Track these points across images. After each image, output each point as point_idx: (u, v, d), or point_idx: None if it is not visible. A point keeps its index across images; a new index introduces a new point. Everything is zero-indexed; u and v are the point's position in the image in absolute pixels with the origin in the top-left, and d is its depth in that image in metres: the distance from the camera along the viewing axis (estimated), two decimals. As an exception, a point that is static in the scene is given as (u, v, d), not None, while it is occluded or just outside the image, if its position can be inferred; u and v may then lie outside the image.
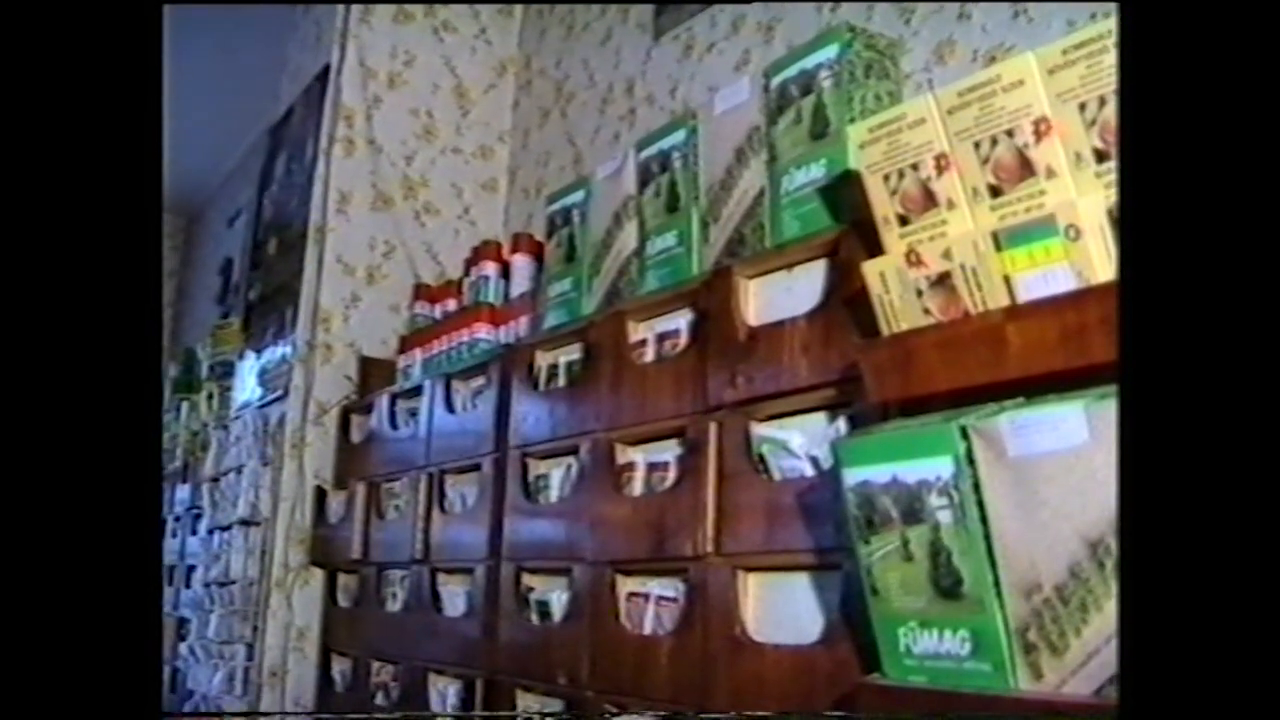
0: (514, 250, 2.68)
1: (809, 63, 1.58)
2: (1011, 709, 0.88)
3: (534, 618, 2.05)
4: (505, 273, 2.69)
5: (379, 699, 2.57)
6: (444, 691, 2.33)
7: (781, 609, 1.50)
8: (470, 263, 2.86)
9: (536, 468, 2.11)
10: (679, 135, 1.86)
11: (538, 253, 2.51)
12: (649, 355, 1.83)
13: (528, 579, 2.09)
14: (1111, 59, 1.03)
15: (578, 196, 2.15)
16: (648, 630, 1.74)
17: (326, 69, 3.49)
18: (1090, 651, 0.99)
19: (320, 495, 3.03)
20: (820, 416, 1.46)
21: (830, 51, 1.55)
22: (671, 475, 1.72)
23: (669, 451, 1.73)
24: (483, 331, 2.55)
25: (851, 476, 1.16)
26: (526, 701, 2.02)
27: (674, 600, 1.70)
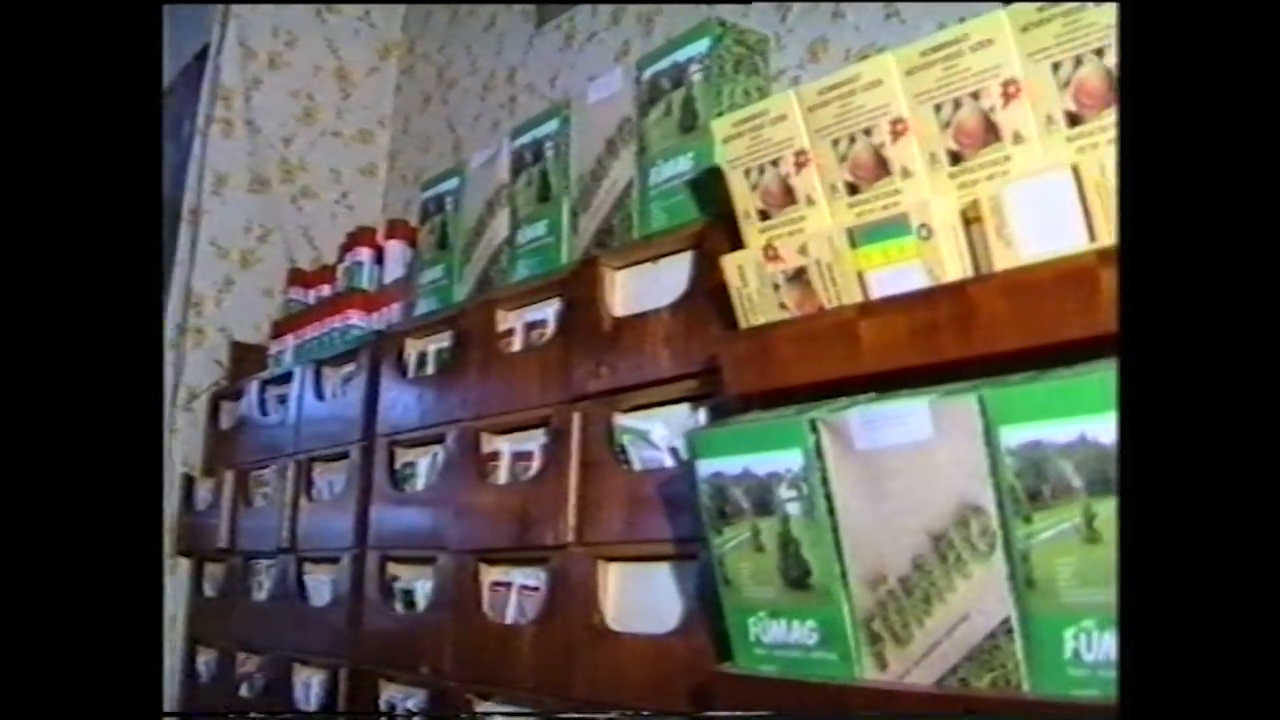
0: (389, 236, 2.66)
1: (680, 56, 1.59)
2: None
3: (399, 607, 2.04)
4: (380, 259, 2.67)
5: (243, 691, 2.53)
6: (308, 682, 2.31)
7: (641, 598, 1.51)
8: (345, 248, 2.83)
9: (404, 456, 2.10)
10: (552, 124, 1.85)
11: (413, 239, 2.49)
12: (517, 344, 1.82)
13: (393, 568, 2.08)
14: (968, 61, 1.05)
15: (452, 183, 2.14)
16: (510, 619, 1.74)
17: (206, 48, 3.43)
18: (933, 642, 1.01)
19: (188, 483, 2.97)
20: (683, 408, 1.46)
21: (701, 46, 1.56)
22: (535, 465, 1.72)
23: (534, 441, 1.73)
24: (355, 318, 2.53)
25: (705, 468, 1.17)
26: (390, 692, 2.01)
27: (536, 589, 1.70)
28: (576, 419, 1.60)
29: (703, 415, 1.42)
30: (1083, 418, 0.88)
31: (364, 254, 2.70)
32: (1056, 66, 0.99)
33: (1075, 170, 0.95)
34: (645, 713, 1.40)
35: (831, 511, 1.06)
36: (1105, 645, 0.90)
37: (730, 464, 1.14)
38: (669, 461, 1.46)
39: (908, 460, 1.00)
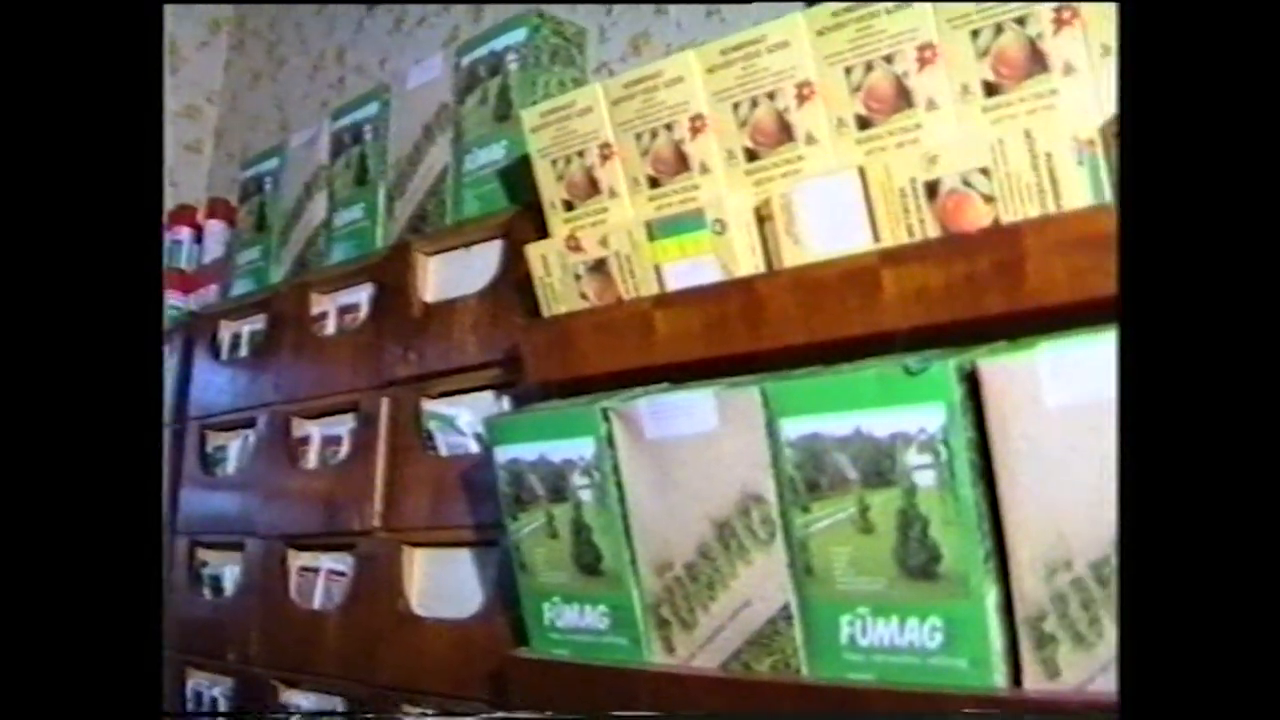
0: (210, 215, 2.60)
1: (498, 44, 1.59)
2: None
3: (206, 593, 2.00)
4: (199, 238, 2.62)
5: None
6: (112, 667, 2.25)
7: (445, 584, 1.51)
8: (165, 226, 2.76)
9: (215, 439, 2.06)
10: (372, 107, 1.84)
11: (233, 219, 2.44)
12: (330, 328, 1.81)
13: (201, 553, 2.04)
14: (765, 62, 1.07)
15: (272, 163, 2.11)
16: (317, 605, 1.73)
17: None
18: (717, 627, 1.04)
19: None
20: (489, 394, 1.47)
21: (518, 35, 1.57)
22: (344, 449, 1.71)
23: (343, 425, 1.72)
24: (172, 298, 2.47)
25: (502, 454, 1.18)
26: (197, 680, 1.98)
27: (343, 575, 1.69)
28: (385, 404, 1.60)
29: (507, 402, 1.43)
30: (858, 412, 0.92)
31: (183, 233, 2.64)
32: (849, 71, 1.02)
33: (861, 172, 0.98)
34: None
35: (622, 499, 1.08)
36: (879, 631, 0.93)
37: (527, 451, 1.15)
38: (474, 447, 1.47)
39: (694, 450, 1.02)
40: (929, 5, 0.98)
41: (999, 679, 0.89)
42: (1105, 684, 0.84)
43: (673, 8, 1.89)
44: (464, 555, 1.48)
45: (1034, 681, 0.87)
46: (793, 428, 0.95)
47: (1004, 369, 0.85)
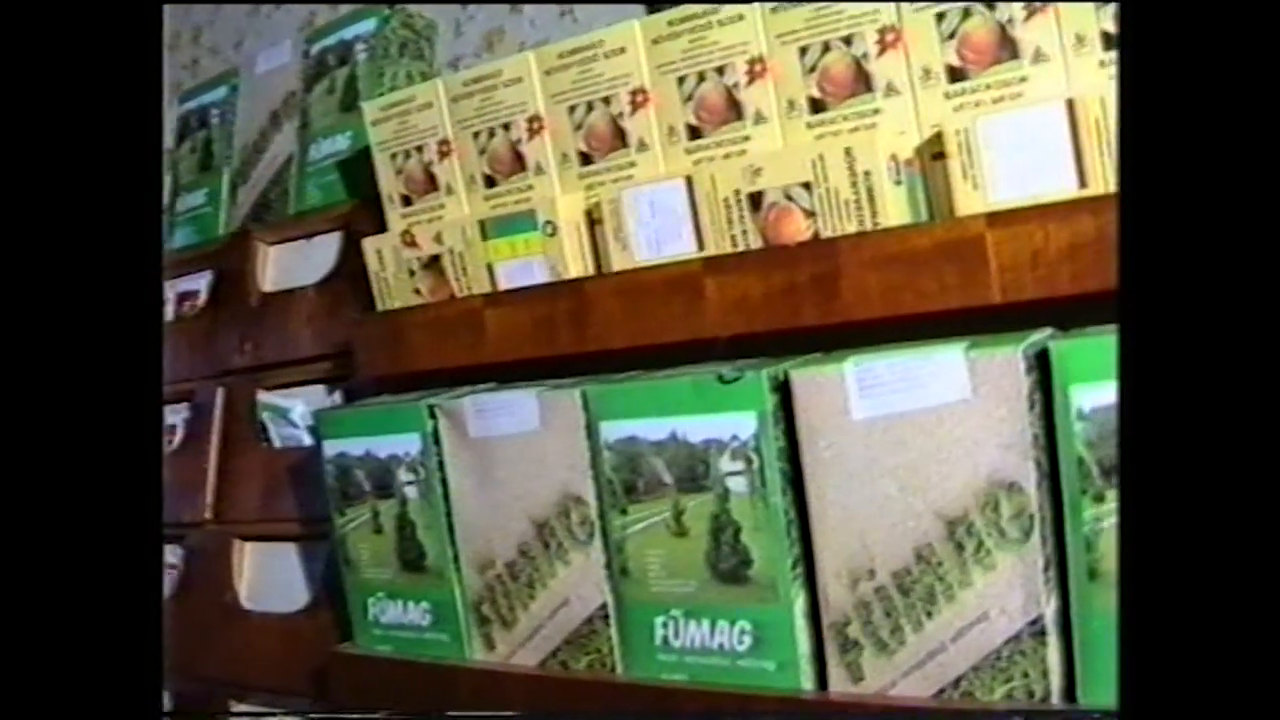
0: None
1: (348, 34, 1.58)
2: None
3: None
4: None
5: None
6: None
7: (276, 577, 1.50)
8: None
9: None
10: (220, 91, 1.81)
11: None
12: (168, 315, 1.78)
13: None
14: (601, 67, 1.08)
15: (116, 143, 2.06)
16: (147, 596, 1.70)
17: None
18: (536, 625, 1.05)
19: None
20: (322, 387, 1.46)
21: (368, 25, 1.56)
22: (178, 439, 1.68)
23: (178, 414, 1.69)
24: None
25: (331, 448, 1.17)
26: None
27: (175, 567, 1.66)
28: (220, 394, 1.58)
29: (339, 396, 1.42)
30: (674, 418, 0.93)
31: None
32: (681, 80, 1.04)
33: (689, 181, 1.00)
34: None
35: (446, 496, 1.08)
36: (691, 633, 0.95)
37: (354, 445, 1.15)
38: (308, 440, 1.46)
39: (517, 449, 1.02)
40: (760, 19, 0.99)
41: (805, 682, 0.91)
42: (906, 689, 0.87)
43: (527, 6, 1.89)
44: (293, 549, 1.47)
45: (838, 685, 0.90)
46: (611, 431, 0.96)
47: (813, 381, 0.87)
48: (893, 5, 0.93)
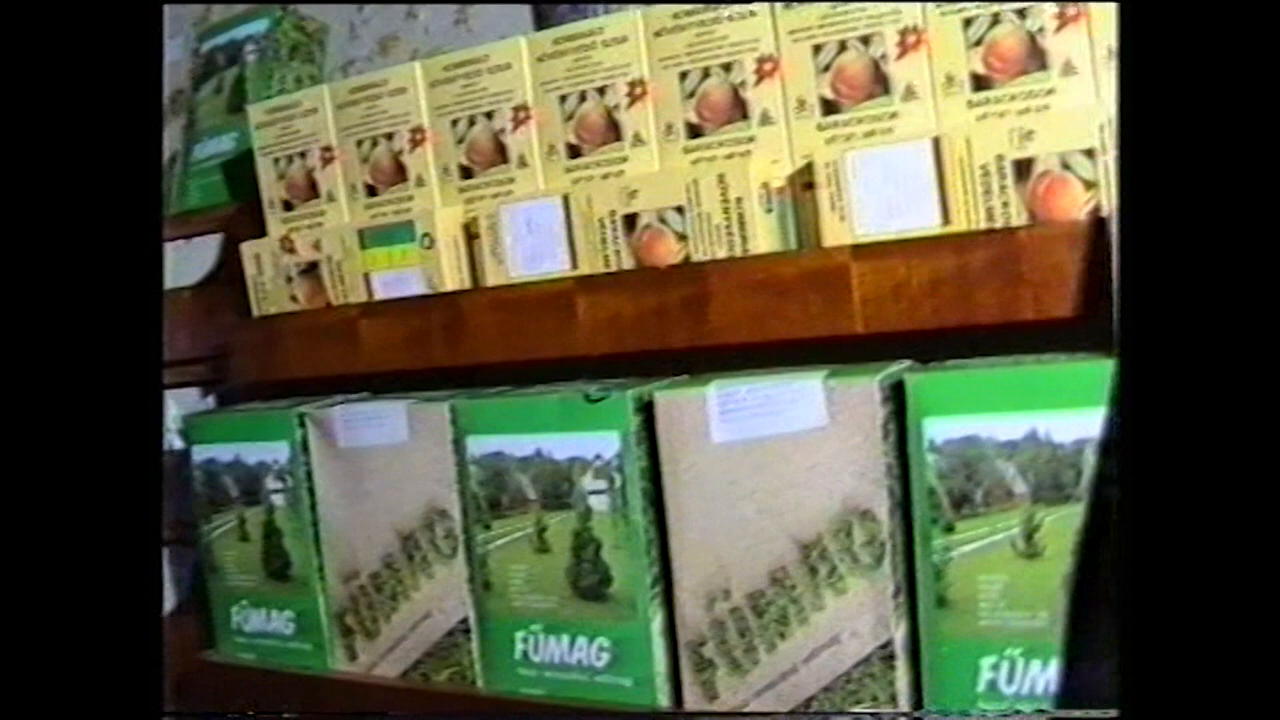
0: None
1: (239, 33, 1.57)
2: None
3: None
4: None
5: None
6: None
7: (143, 580, 1.48)
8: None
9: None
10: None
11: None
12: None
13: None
14: (486, 82, 1.08)
15: None
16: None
17: None
18: (399, 637, 1.05)
19: None
20: (197, 391, 1.45)
21: (259, 26, 1.54)
22: (48, 435, 1.65)
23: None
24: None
25: (199, 453, 1.16)
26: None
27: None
28: (93, 392, 1.55)
29: (212, 400, 1.41)
30: (540, 435, 0.94)
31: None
32: (563, 99, 1.05)
33: (565, 199, 1.00)
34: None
35: (313, 505, 1.08)
36: (550, 648, 0.96)
37: (222, 451, 1.14)
38: (178, 444, 1.44)
39: (385, 460, 1.03)
40: (644, 41, 1.00)
41: (662, 699, 0.92)
42: (759, 708, 0.88)
43: (422, 12, 1.88)
44: (161, 554, 1.45)
45: (694, 703, 0.91)
46: (478, 445, 0.97)
47: (676, 403, 0.88)
48: (771, 35, 0.95)
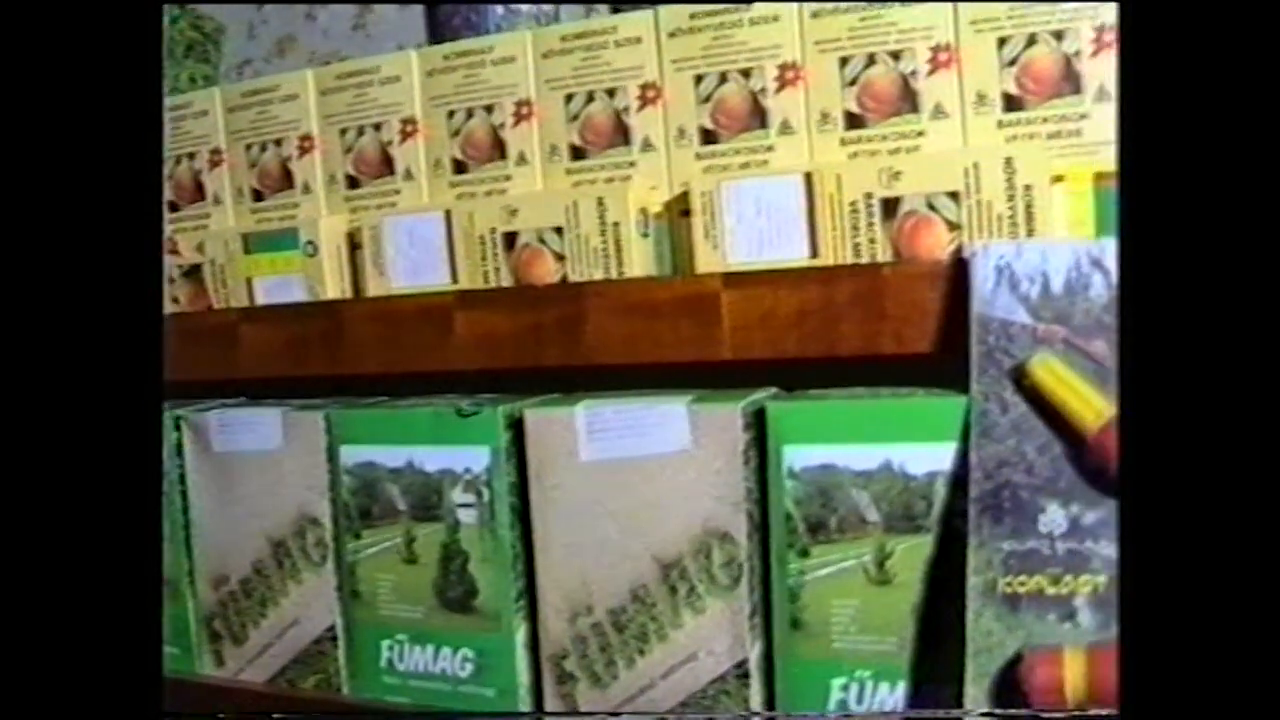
0: None
1: (133, 29, 1.56)
2: None
3: None
4: None
5: None
6: None
7: None
8: None
9: None
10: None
11: None
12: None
13: None
14: (375, 93, 1.09)
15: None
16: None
17: None
18: (265, 643, 1.05)
19: None
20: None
21: (154, 23, 1.54)
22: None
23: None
24: None
25: (72, 452, 1.15)
26: None
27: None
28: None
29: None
30: (412, 446, 0.95)
31: None
32: (451, 114, 1.06)
33: (448, 214, 1.02)
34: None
35: (185, 509, 1.08)
36: (415, 657, 0.97)
37: (95, 451, 1.13)
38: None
39: (259, 467, 1.03)
40: (532, 64, 1.02)
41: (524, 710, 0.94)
42: (618, 722, 0.90)
43: (322, 14, 1.89)
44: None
45: (554, 715, 0.92)
46: (351, 455, 0.98)
47: (545, 421, 0.90)
48: (656, 63, 0.97)
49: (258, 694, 1.05)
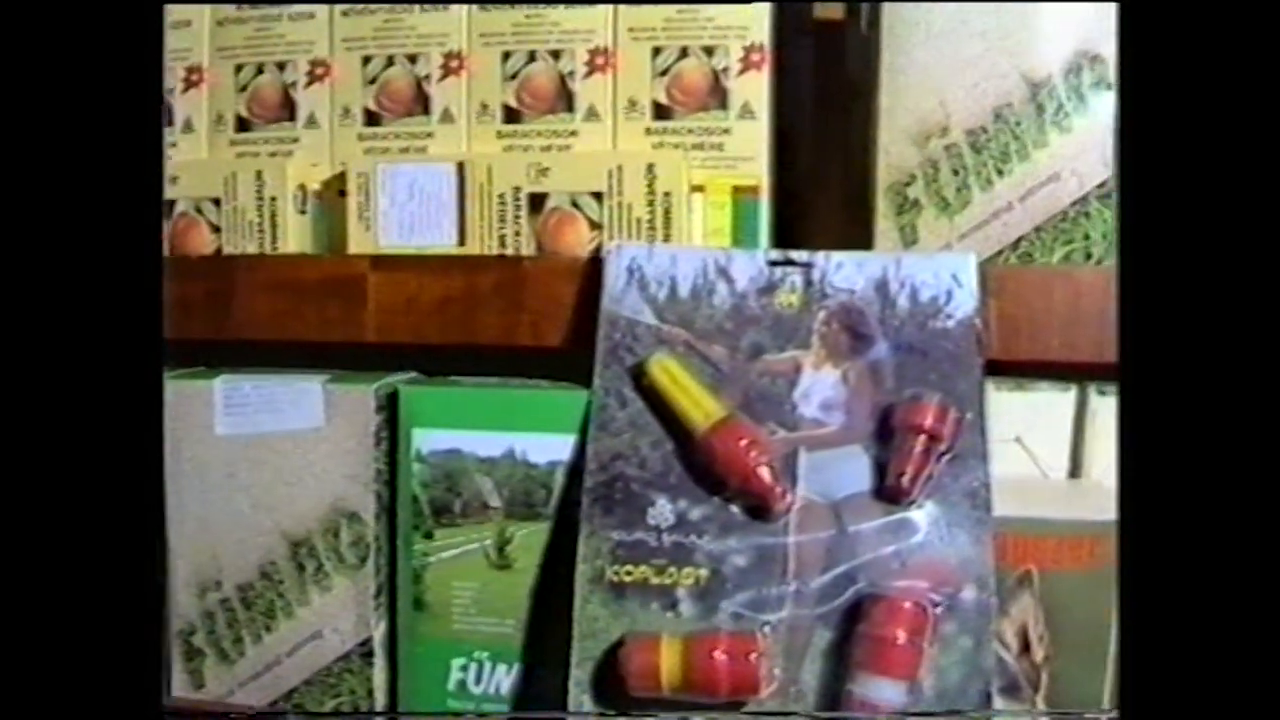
0: None
1: None
2: None
3: None
4: None
5: None
6: None
7: None
8: None
9: None
10: None
11: None
12: None
13: None
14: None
15: None
16: None
17: None
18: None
19: None
20: None
21: None
22: None
23: None
24: None
25: None
26: None
27: None
28: None
29: None
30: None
31: None
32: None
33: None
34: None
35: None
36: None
37: None
38: None
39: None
40: (208, 31, 1.00)
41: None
42: (244, 698, 0.90)
43: None
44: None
45: (181, 691, 0.92)
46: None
47: (184, 393, 0.89)
48: (327, 41, 0.97)
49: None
